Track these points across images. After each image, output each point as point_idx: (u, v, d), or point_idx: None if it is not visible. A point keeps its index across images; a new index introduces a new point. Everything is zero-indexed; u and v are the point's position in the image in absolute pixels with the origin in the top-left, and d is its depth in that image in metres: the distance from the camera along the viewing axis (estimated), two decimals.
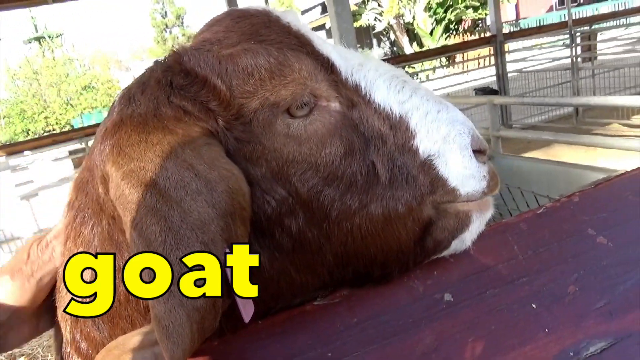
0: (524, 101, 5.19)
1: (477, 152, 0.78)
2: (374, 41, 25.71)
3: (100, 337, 0.75)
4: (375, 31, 24.96)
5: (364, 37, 25.35)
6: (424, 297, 0.72)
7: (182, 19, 37.88)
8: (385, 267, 0.76)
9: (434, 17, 21.57)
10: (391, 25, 22.72)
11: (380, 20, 22.97)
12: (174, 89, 0.71)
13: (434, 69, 16.66)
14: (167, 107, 0.70)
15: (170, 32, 37.54)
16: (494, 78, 8.26)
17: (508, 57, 8.60)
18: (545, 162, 3.31)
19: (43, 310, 0.83)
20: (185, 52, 0.75)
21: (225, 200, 0.63)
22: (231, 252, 0.60)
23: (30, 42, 32.82)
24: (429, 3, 21.37)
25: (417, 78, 17.87)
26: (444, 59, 17.64)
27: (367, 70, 0.79)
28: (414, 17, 21.77)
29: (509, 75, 8.31)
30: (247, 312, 0.61)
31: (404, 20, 22.31)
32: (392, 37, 24.34)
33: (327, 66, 0.77)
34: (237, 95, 0.71)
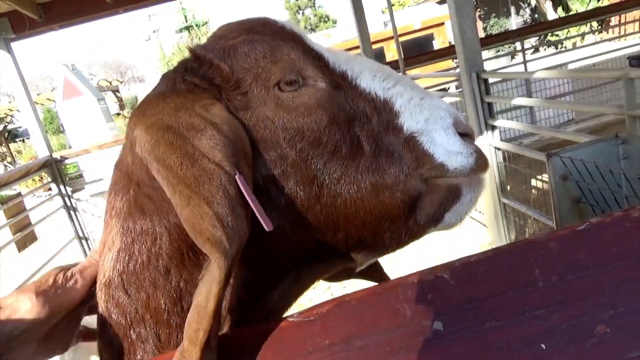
0: None
1: (463, 135, 0.84)
2: (512, 9, 23.55)
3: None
4: None
5: (501, 6, 23.33)
6: (410, 323, 0.64)
7: (314, 0, 38.70)
8: (376, 235, 0.84)
9: None
10: None
11: None
12: (187, 71, 0.87)
13: (582, 35, 14.78)
14: (181, 83, 0.85)
15: (303, 14, 38.66)
16: None
17: None
18: None
19: (56, 332, 0.87)
20: (198, 45, 0.91)
21: (230, 137, 0.75)
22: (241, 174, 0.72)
23: (181, 31, 36.29)
24: None
25: (561, 46, 16.01)
26: (595, 24, 15.51)
27: (353, 64, 0.88)
28: None
29: None
30: (266, 222, 0.72)
31: None
32: (533, 3, 22.10)
33: (316, 56, 0.87)
34: (236, 72, 0.84)
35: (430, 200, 0.83)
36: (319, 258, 0.88)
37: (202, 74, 0.85)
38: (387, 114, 0.84)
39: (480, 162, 0.84)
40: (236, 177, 0.72)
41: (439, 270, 0.68)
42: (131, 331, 0.82)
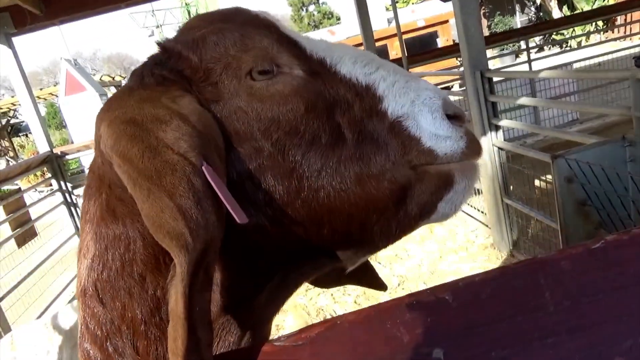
0: None
1: (452, 117, 0.80)
2: (517, 7, 23.37)
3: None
4: None
5: (506, 4, 23.17)
6: (407, 350, 0.58)
7: None
8: (364, 229, 0.79)
9: None
10: None
11: None
12: (156, 64, 0.83)
13: (587, 34, 14.68)
14: (150, 77, 0.82)
15: (307, 10, 38.56)
16: None
17: None
18: None
19: None
20: (166, 39, 0.88)
21: (199, 128, 0.71)
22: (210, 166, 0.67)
23: None
24: None
25: (566, 45, 15.87)
26: (600, 23, 15.38)
27: (333, 50, 0.84)
28: None
29: None
30: (239, 215, 0.66)
31: None
32: (538, 1, 21.95)
33: (291, 42, 0.83)
34: (205, 62, 0.80)
35: (420, 189, 0.78)
36: (304, 258, 0.84)
37: (170, 66, 0.82)
38: (370, 99, 0.79)
39: (472, 147, 0.80)
40: (203, 168, 0.67)
41: (440, 291, 0.62)
42: (108, 343, 0.78)
